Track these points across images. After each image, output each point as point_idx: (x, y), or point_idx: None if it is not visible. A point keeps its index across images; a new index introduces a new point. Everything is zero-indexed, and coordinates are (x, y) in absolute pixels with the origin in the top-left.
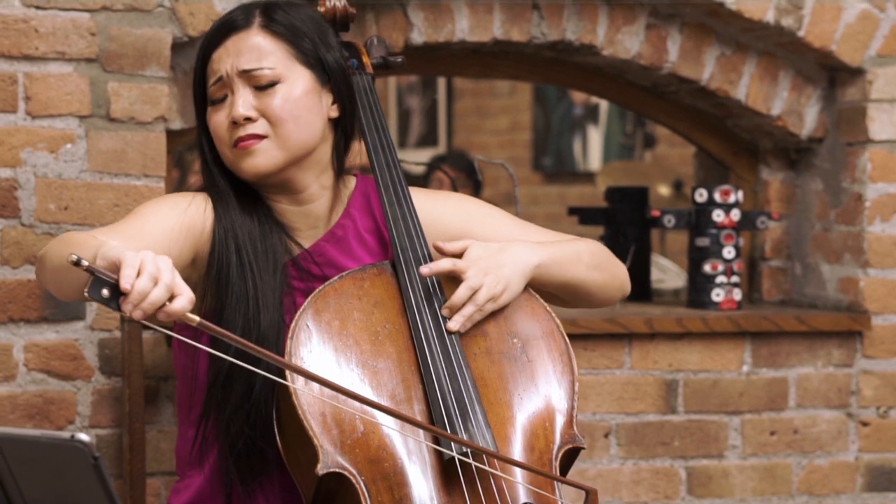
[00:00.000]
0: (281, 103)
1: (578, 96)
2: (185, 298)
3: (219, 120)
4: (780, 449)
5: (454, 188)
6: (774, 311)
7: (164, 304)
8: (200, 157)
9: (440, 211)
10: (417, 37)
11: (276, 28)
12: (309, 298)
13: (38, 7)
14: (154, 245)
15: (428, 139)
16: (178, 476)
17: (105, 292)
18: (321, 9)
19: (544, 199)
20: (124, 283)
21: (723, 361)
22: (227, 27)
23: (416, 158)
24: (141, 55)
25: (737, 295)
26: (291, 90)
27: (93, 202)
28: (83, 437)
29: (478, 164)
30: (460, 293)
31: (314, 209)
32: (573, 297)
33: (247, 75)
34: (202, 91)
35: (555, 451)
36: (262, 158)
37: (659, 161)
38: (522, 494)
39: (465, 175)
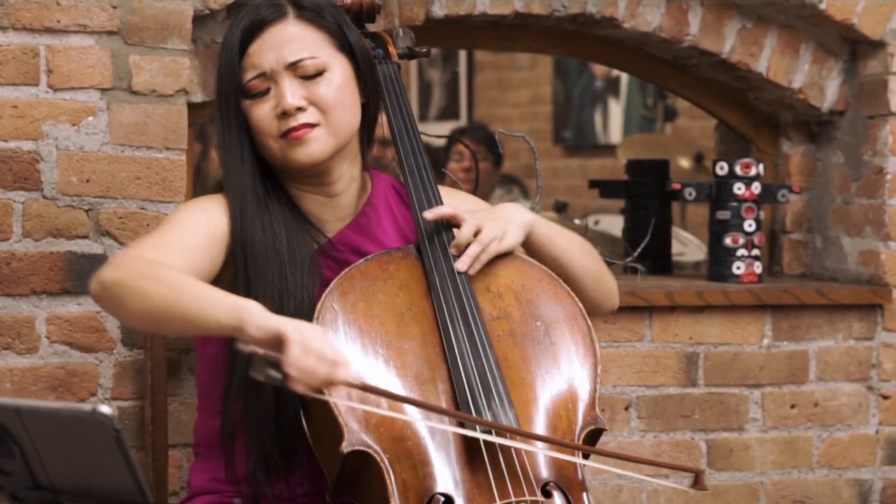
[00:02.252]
0: (330, 91)
1: (599, 69)
2: (345, 367)
3: (263, 113)
4: (800, 422)
5: (475, 160)
6: (795, 285)
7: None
8: (225, 151)
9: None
10: (438, 10)
11: (311, 16)
12: (334, 281)
13: None
14: (197, 258)
15: (448, 112)
16: (196, 455)
17: (272, 372)
18: (347, 0)
19: (565, 172)
20: (290, 368)
21: (743, 334)
22: (259, 21)
23: (436, 131)
24: (162, 28)
25: (757, 268)
26: (336, 77)
27: (114, 175)
28: (105, 409)
29: (498, 136)
30: (464, 231)
31: (342, 200)
32: (566, 278)
33: (294, 66)
34: (233, 86)
35: (577, 432)
36: (317, 146)
37: (679, 134)
38: (545, 471)
39: (485, 148)
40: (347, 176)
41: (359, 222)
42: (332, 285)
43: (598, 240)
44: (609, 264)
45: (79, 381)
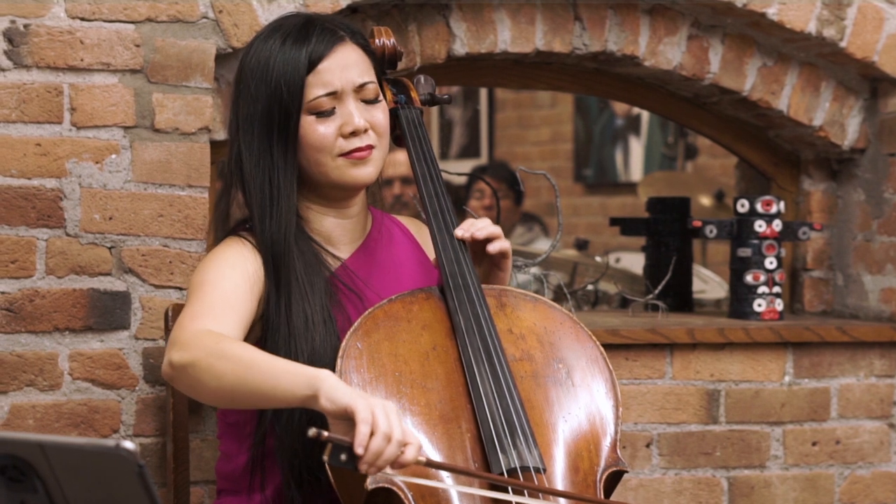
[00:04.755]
0: (384, 117)
1: (620, 107)
2: (414, 448)
3: (327, 132)
4: (822, 459)
5: (496, 198)
6: (816, 322)
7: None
8: (270, 168)
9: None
10: (460, 48)
11: (363, 43)
12: (359, 320)
13: (83, 19)
14: (245, 312)
15: (469, 150)
16: (219, 493)
17: (343, 457)
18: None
19: (585, 210)
20: (359, 449)
21: (765, 372)
22: (330, 39)
23: (457, 169)
24: (185, 66)
25: (779, 305)
26: (385, 105)
27: (137, 212)
28: (128, 444)
29: (520, 174)
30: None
31: (356, 223)
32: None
33: (360, 89)
34: (296, 102)
35: (599, 474)
36: (373, 168)
37: (700, 171)
38: None
39: (506, 186)
40: (362, 201)
41: (368, 245)
42: (356, 324)
43: (620, 277)
44: (630, 301)
45: (101, 418)
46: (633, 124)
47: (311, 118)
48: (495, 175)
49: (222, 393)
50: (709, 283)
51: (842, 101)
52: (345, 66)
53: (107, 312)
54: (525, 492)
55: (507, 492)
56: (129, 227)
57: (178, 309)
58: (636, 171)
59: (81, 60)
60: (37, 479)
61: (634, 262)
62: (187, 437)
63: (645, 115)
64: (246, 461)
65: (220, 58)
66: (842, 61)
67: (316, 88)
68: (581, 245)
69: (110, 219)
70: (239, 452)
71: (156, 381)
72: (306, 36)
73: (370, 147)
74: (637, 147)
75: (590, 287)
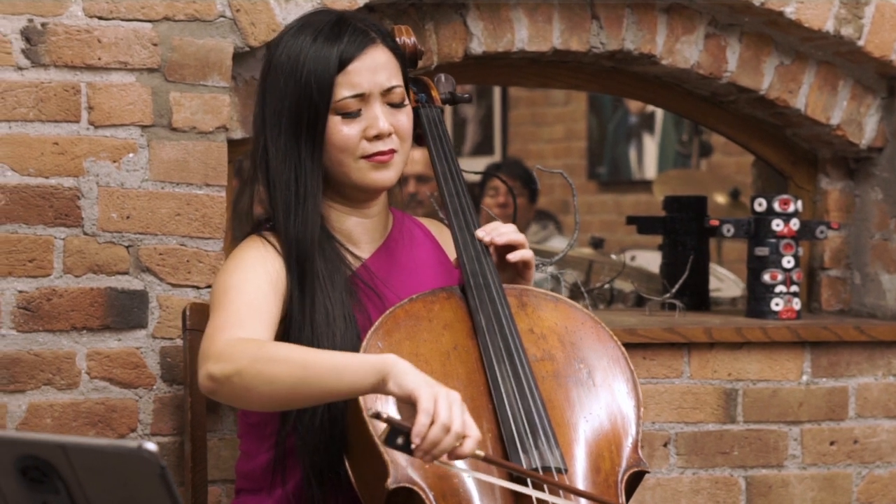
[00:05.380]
0: (408, 122)
1: (634, 105)
2: (472, 440)
3: (351, 133)
4: (839, 459)
5: (512, 196)
6: (834, 321)
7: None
8: (297, 167)
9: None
10: (477, 46)
11: (393, 45)
12: (379, 319)
13: (100, 17)
14: (272, 314)
15: (483, 147)
16: (238, 493)
17: (400, 441)
18: None
19: (599, 208)
20: (416, 438)
21: (782, 371)
22: (362, 40)
23: (471, 167)
24: (203, 65)
25: (796, 304)
26: (410, 109)
27: (154, 211)
28: (150, 446)
29: (536, 172)
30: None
31: (376, 222)
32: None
33: (387, 93)
34: (325, 101)
35: (620, 475)
36: (394, 172)
37: (715, 169)
38: None
39: (520, 183)
40: (383, 201)
41: (389, 245)
42: (376, 324)
43: (635, 276)
44: (647, 300)
45: (119, 417)
46: (647, 122)
47: (337, 118)
48: (510, 173)
49: (277, 396)
50: (724, 282)
51: (859, 99)
52: (374, 69)
53: (124, 311)
54: (546, 489)
55: (540, 490)
56: (147, 226)
57: (196, 308)
58: (650, 169)
59: (99, 59)
60: (58, 480)
61: (649, 260)
62: (205, 437)
63: (659, 113)
64: (267, 460)
65: (238, 56)
66: (859, 60)
67: (344, 89)
68: (597, 243)
69: (128, 218)
70: (259, 452)
71: (173, 380)
72: (338, 34)
73: (392, 151)
74: (651, 145)
75: (605, 285)
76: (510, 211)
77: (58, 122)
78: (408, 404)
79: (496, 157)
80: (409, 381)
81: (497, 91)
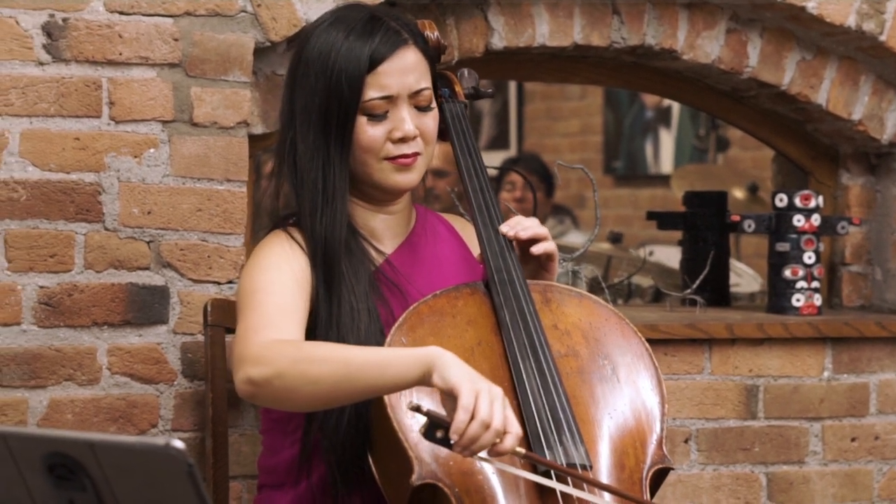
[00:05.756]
0: (434, 125)
1: (650, 99)
2: (513, 437)
3: (377, 134)
4: (860, 455)
5: (532, 191)
6: (855, 317)
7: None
8: (325, 165)
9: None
10: (498, 42)
11: (424, 47)
12: (403, 315)
13: (121, 13)
14: (301, 312)
15: (498, 141)
16: (260, 488)
17: (439, 435)
18: None
19: (615, 202)
20: (454, 435)
21: (803, 367)
22: (393, 42)
23: (486, 161)
24: (224, 60)
25: (817, 300)
26: (436, 112)
27: (175, 207)
28: (178, 443)
29: (556, 167)
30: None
31: (399, 218)
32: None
33: (415, 95)
34: (355, 101)
35: (645, 471)
36: (416, 175)
37: (731, 164)
38: None
39: (538, 178)
40: (406, 198)
41: (412, 241)
42: (400, 319)
43: (654, 271)
44: (665, 295)
45: (139, 413)
46: (664, 116)
47: (363, 119)
48: (527, 167)
49: (320, 395)
50: (743, 277)
51: (881, 94)
52: (404, 71)
53: (145, 307)
54: (584, 488)
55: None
56: (168, 222)
57: (217, 304)
58: (666, 164)
59: (120, 54)
60: (86, 478)
61: (667, 255)
62: (227, 432)
63: (675, 108)
64: (290, 456)
65: (259, 51)
66: (881, 55)
67: (372, 90)
68: (615, 238)
69: (149, 213)
70: (283, 447)
71: (194, 375)
72: (371, 32)
73: (416, 154)
74: (667, 139)
75: (623, 280)
76: (527, 206)
77: (79, 118)
78: (451, 398)
79: (511, 151)
80: (453, 375)
81: (513, 85)
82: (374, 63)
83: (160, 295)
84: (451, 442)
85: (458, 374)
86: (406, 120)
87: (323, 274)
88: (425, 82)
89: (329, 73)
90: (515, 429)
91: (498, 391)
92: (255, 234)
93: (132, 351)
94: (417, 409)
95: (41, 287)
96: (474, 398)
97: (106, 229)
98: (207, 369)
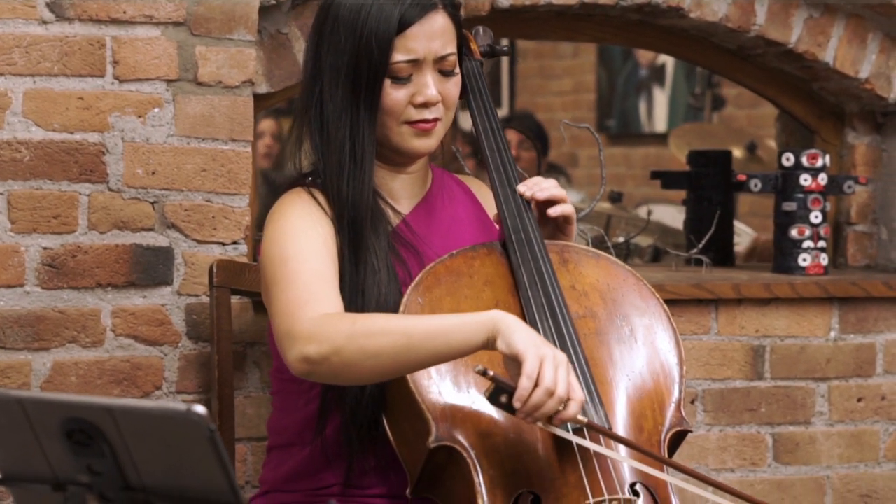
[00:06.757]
0: (456, 91)
1: (644, 57)
2: (576, 404)
3: (399, 97)
4: (867, 416)
5: (536, 149)
6: (862, 277)
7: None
8: (355, 127)
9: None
10: (504, 0)
11: (453, 12)
12: (420, 275)
13: None
14: (335, 278)
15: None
16: (269, 451)
17: (503, 399)
18: None
19: (609, 161)
20: (518, 402)
21: (810, 327)
22: (424, 4)
23: None
24: (228, 19)
25: (823, 260)
26: (459, 78)
27: (180, 167)
28: (199, 408)
29: (562, 127)
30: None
31: (415, 178)
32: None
33: (441, 60)
34: (384, 63)
35: (663, 434)
36: (434, 140)
37: (727, 122)
38: (628, 474)
39: (532, 136)
40: (424, 159)
41: (428, 201)
42: (416, 280)
43: (655, 230)
44: (664, 254)
45: (144, 375)
46: (658, 74)
47: (387, 81)
48: (521, 126)
49: (381, 368)
50: (741, 235)
51: (888, 53)
52: (431, 35)
53: (149, 268)
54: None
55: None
56: (172, 182)
57: (222, 265)
58: (660, 122)
59: (124, 13)
60: (104, 444)
61: (665, 213)
62: (232, 395)
63: (669, 66)
64: (304, 416)
65: (264, 10)
66: (889, 13)
67: (399, 53)
68: (615, 198)
69: (153, 173)
70: (296, 408)
71: (198, 337)
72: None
73: (436, 120)
74: (661, 97)
75: (621, 239)
76: (523, 165)
77: (83, 77)
78: (514, 363)
79: (504, 110)
80: (517, 341)
81: (504, 43)
82: (403, 25)
83: (165, 256)
84: (515, 409)
85: (522, 339)
86: (430, 85)
87: (349, 238)
88: (451, 47)
89: (358, 33)
90: (579, 396)
91: (562, 357)
92: (260, 197)
93: (136, 313)
94: (484, 373)
95: (45, 248)
96: (538, 365)
97: (110, 190)
98: (213, 331)
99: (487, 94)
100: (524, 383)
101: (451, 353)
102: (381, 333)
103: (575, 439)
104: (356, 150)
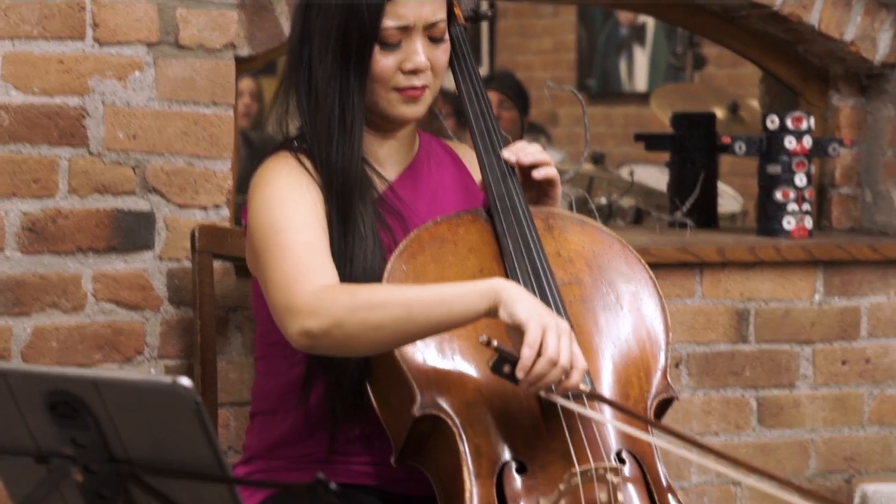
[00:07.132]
0: (445, 58)
1: (624, 16)
2: (579, 373)
3: (388, 64)
4: (851, 379)
5: (518, 109)
6: (847, 240)
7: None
8: (342, 93)
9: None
10: None
11: None
12: (403, 242)
13: None
14: (326, 244)
15: None
16: (252, 416)
17: (506, 369)
18: None
19: (590, 121)
20: (521, 372)
21: (794, 290)
22: None
23: None
24: None
25: (808, 223)
26: (448, 45)
27: (161, 130)
28: (185, 381)
29: (546, 88)
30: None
31: (401, 143)
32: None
33: (431, 27)
34: (374, 29)
35: (649, 401)
36: (422, 107)
37: (708, 82)
38: (620, 439)
39: (513, 95)
40: (411, 125)
41: (415, 168)
42: (400, 246)
43: (637, 192)
44: (645, 215)
45: (125, 340)
46: (638, 34)
47: (377, 47)
48: (501, 85)
49: (383, 340)
50: (723, 197)
51: (873, 15)
52: (422, 1)
53: (130, 233)
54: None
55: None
56: (153, 146)
57: (204, 230)
58: (641, 82)
59: None
60: (88, 416)
61: (647, 174)
62: (215, 360)
63: (650, 25)
64: (288, 380)
65: None
66: None
67: (389, 19)
68: (597, 159)
69: (134, 137)
70: (281, 371)
71: (180, 301)
72: None
73: (425, 87)
74: (642, 57)
75: (603, 200)
76: (503, 125)
77: (62, 40)
78: (516, 332)
79: (484, 69)
80: (519, 310)
81: (486, 7)
82: None
83: (146, 220)
84: (518, 378)
85: (525, 308)
86: (419, 52)
87: (338, 205)
88: (441, 14)
89: (350, 3)
90: (582, 364)
91: (565, 326)
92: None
93: (117, 277)
94: (487, 342)
95: (24, 213)
96: (541, 334)
97: (90, 154)
98: (195, 296)
99: (472, 60)
100: (526, 352)
101: (453, 322)
102: (382, 305)
103: (578, 409)
104: (346, 117)
